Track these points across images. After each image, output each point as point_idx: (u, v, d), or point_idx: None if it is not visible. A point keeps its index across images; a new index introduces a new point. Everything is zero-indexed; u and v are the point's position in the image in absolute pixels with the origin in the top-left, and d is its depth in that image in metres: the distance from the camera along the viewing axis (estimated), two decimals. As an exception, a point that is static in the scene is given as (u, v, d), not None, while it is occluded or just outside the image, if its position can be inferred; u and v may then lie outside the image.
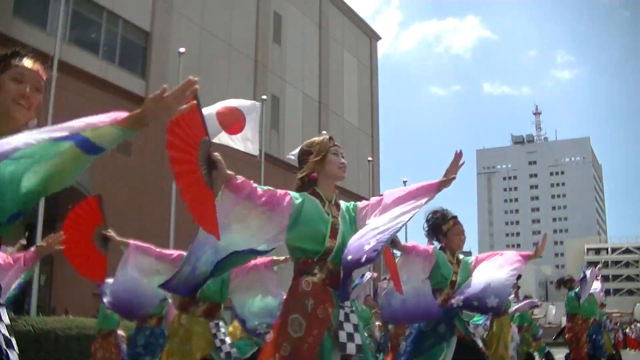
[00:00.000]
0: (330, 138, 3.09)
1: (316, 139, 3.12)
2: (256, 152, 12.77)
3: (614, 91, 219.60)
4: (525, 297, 10.19)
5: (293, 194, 2.87)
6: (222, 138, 12.17)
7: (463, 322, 4.33)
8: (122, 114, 1.70)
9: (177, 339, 4.43)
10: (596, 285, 9.46)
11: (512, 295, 9.11)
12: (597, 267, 9.52)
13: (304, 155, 3.07)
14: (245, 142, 12.44)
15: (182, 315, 4.50)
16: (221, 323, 4.62)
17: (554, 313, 15.22)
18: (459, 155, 3.09)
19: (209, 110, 12.01)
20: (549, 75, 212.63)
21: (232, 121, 12.09)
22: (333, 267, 2.81)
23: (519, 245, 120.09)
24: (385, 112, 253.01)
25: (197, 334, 4.46)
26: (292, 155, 14.38)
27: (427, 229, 4.55)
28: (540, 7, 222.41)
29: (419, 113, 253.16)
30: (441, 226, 4.47)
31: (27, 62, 2.07)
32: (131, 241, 4.62)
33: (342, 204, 3.05)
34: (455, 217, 4.54)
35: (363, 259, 2.54)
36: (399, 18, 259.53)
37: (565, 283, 9.38)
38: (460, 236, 4.51)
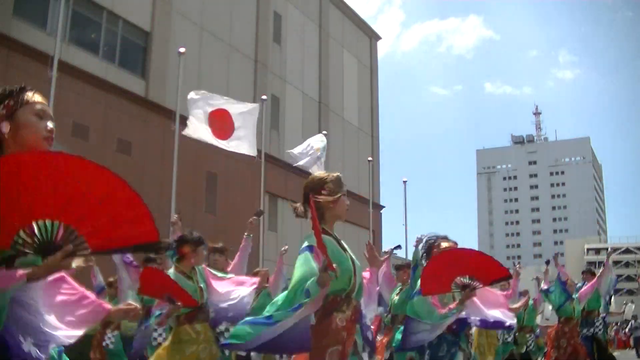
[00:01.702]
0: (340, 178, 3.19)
1: (327, 176, 3.15)
2: (253, 153, 12.76)
3: (614, 91, 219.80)
4: (521, 295, 10.07)
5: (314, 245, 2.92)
6: (214, 142, 12.09)
7: (467, 338, 4.61)
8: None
9: (197, 346, 4.52)
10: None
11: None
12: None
13: (313, 189, 3.10)
14: (238, 144, 12.30)
15: (195, 324, 4.60)
16: None
17: (550, 309, 15.06)
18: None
19: (205, 111, 11.95)
20: (551, 75, 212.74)
21: (221, 126, 12.00)
22: (356, 303, 3.01)
23: (519, 245, 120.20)
24: (386, 112, 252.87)
25: (211, 340, 4.67)
26: (294, 153, 14.19)
27: (424, 252, 4.73)
28: (543, 7, 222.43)
29: (420, 113, 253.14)
30: (440, 242, 4.64)
31: None
32: None
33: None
34: (445, 237, 4.69)
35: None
36: (401, 18, 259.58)
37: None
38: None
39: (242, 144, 12.22)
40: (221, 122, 11.91)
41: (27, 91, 2.19)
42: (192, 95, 11.71)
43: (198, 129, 11.58)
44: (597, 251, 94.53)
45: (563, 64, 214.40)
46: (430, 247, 4.70)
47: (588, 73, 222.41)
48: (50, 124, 2.16)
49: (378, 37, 33.61)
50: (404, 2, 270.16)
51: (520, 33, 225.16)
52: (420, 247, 4.71)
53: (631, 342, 26.47)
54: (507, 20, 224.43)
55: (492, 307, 4.57)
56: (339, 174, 3.21)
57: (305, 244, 2.97)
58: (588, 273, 9.51)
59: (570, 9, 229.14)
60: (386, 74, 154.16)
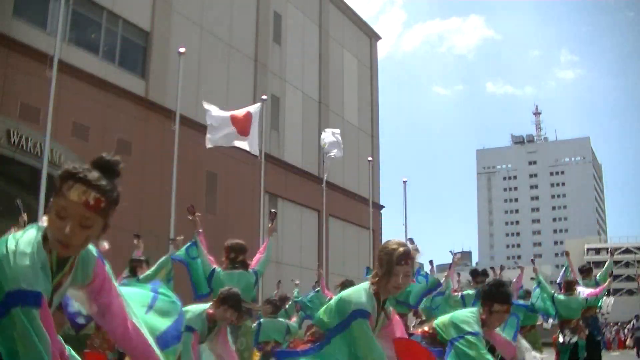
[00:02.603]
0: (404, 253, 3.01)
1: (393, 246, 3.05)
2: (257, 152, 12.83)
3: (615, 91, 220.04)
4: (527, 293, 10.06)
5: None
6: (235, 142, 12.22)
7: None
8: None
9: None
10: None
11: None
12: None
13: (379, 256, 3.09)
14: (245, 143, 12.47)
15: None
16: None
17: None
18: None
19: (224, 114, 12.08)
20: (552, 75, 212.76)
21: (245, 125, 12.16)
22: None
23: (519, 245, 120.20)
24: (388, 112, 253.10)
25: None
26: (332, 154, 15.29)
27: (482, 290, 4.04)
28: (544, 7, 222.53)
29: (421, 113, 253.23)
30: (494, 303, 3.85)
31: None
32: None
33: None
34: (511, 304, 3.95)
35: None
36: (403, 18, 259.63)
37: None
38: (501, 322, 4.00)
39: (249, 142, 12.37)
40: (242, 120, 12.13)
41: (67, 180, 1.85)
42: (206, 105, 11.92)
43: (216, 138, 11.79)
44: (597, 251, 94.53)
45: (564, 63, 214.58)
46: (493, 298, 3.83)
47: (589, 73, 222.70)
48: (66, 230, 1.82)
49: (378, 37, 33.64)
50: (405, 1, 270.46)
51: (521, 33, 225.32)
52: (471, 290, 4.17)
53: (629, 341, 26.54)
54: (509, 20, 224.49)
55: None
56: (406, 248, 3.06)
57: (355, 307, 2.98)
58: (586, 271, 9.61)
59: (572, 9, 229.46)
60: (388, 74, 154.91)
